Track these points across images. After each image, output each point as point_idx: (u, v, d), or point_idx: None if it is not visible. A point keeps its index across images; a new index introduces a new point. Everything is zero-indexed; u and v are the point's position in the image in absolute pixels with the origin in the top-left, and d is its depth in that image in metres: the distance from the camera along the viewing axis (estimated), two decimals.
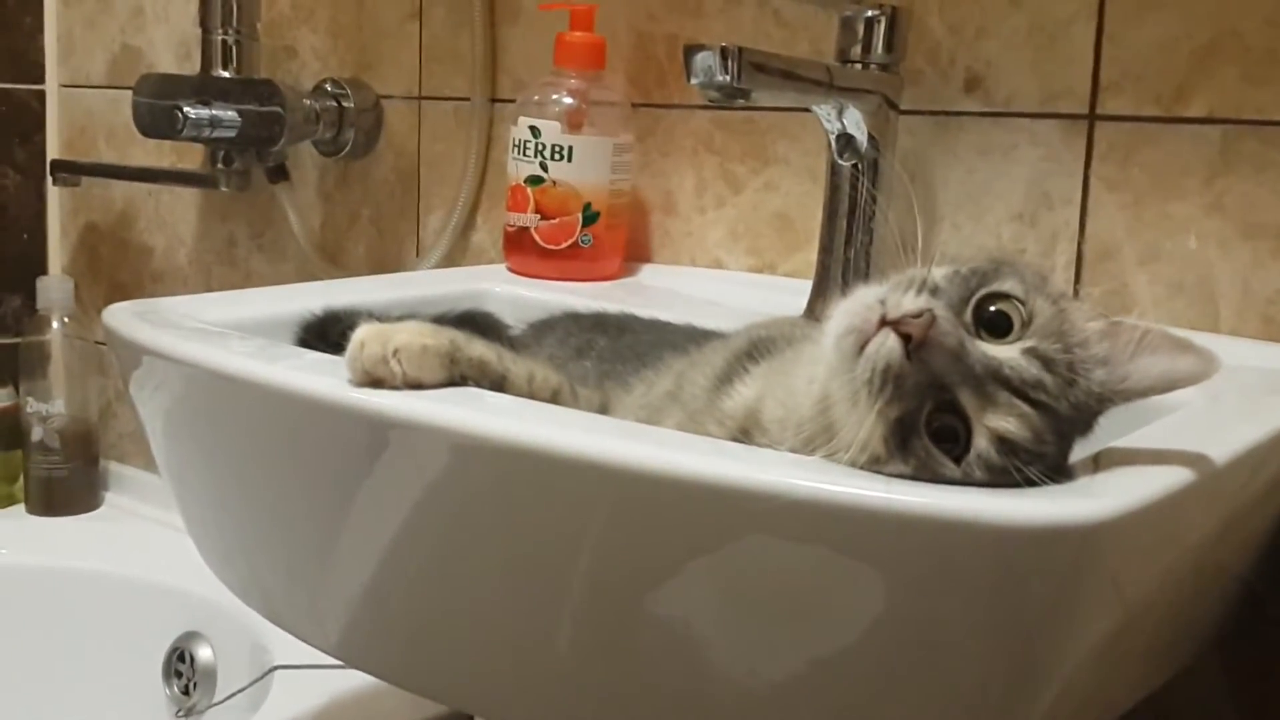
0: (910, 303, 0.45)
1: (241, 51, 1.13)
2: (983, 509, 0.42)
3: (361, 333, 0.53)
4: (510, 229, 0.93)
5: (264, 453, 0.60)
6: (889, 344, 0.45)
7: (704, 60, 0.64)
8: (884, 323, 0.45)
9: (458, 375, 0.54)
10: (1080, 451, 0.48)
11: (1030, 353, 0.46)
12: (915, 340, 0.44)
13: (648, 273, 0.94)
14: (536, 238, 0.91)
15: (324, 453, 0.56)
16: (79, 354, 1.34)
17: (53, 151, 1.41)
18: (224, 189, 1.18)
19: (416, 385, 0.53)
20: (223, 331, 0.66)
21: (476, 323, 0.78)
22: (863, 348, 0.45)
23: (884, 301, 0.46)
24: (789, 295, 0.79)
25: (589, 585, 0.50)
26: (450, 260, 1.05)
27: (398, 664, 0.60)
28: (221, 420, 0.62)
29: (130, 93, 1.12)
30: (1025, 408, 0.45)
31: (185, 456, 0.67)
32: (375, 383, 0.53)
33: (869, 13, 0.75)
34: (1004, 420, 0.44)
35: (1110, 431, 0.49)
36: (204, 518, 0.68)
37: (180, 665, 1.13)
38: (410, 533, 0.54)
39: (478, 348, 0.56)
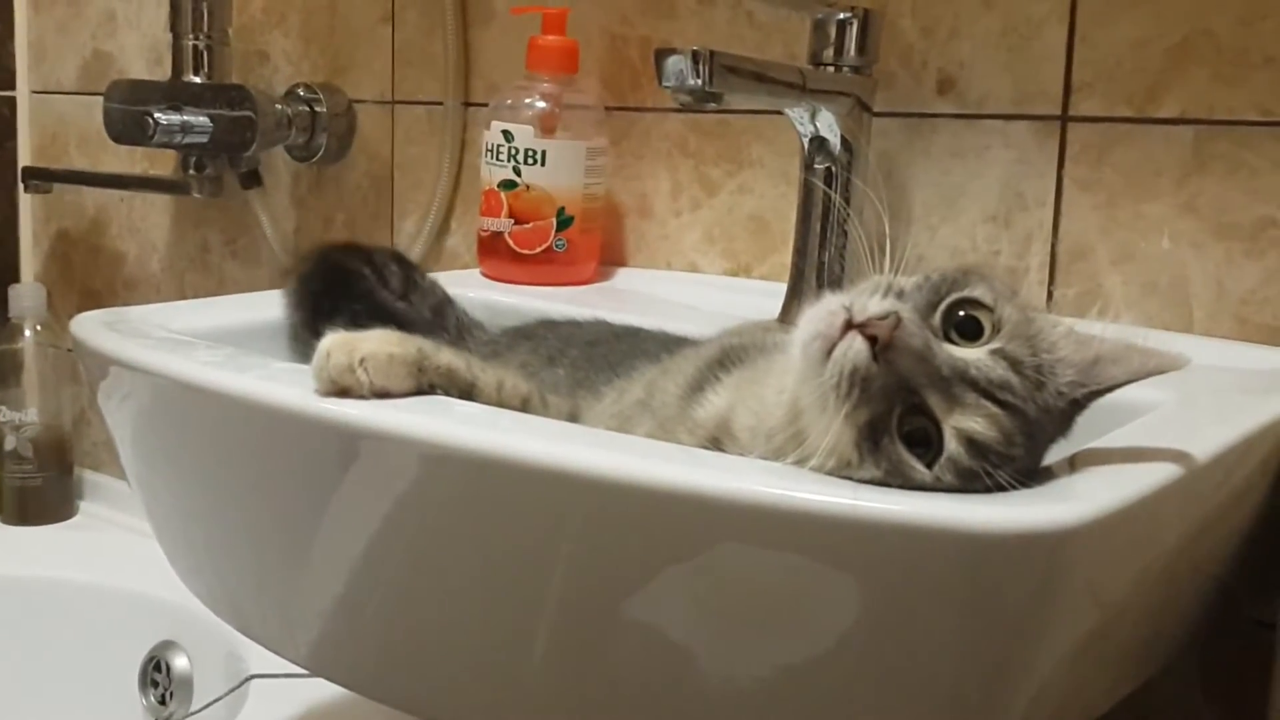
0: (876, 306, 0.45)
1: (213, 56, 1.12)
2: (953, 515, 0.41)
3: (327, 342, 0.53)
4: (484, 234, 0.92)
5: (232, 463, 0.59)
6: (855, 347, 0.45)
7: (675, 64, 0.64)
8: (849, 326, 0.45)
9: (426, 384, 0.54)
10: (1060, 452, 0.48)
11: (997, 354, 0.46)
12: (881, 342, 0.44)
13: (623, 276, 0.94)
14: (510, 242, 0.91)
15: (292, 463, 0.56)
16: (52, 362, 1.33)
17: (24, 158, 1.39)
18: (196, 195, 1.17)
19: (384, 394, 0.52)
20: (191, 341, 0.65)
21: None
22: (829, 353, 0.45)
23: (849, 306, 0.46)
24: (764, 298, 0.79)
25: (562, 595, 0.49)
26: (425, 265, 1.04)
27: (370, 676, 0.60)
28: (189, 431, 0.61)
29: (102, 99, 1.11)
30: (993, 408, 0.44)
31: (154, 467, 0.66)
32: (342, 392, 0.52)
33: (841, 15, 0.75)
34: (972, 420, 0.44)
35: (1085, 432, 0.49)
36: (173, 528, 0.68)
37: (156, 675, 1.12)
38: (381, 543, 0.54)
39: (445, 356, 0.55)
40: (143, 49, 1.27)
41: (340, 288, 0.75)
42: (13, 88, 1.39)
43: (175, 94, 1.08)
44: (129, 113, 1.07)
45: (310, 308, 0.74)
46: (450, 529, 0.51)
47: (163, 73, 1.17)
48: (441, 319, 0.79)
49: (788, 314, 0.76)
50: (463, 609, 0.53)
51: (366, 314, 0.74)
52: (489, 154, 0.91)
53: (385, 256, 0.79)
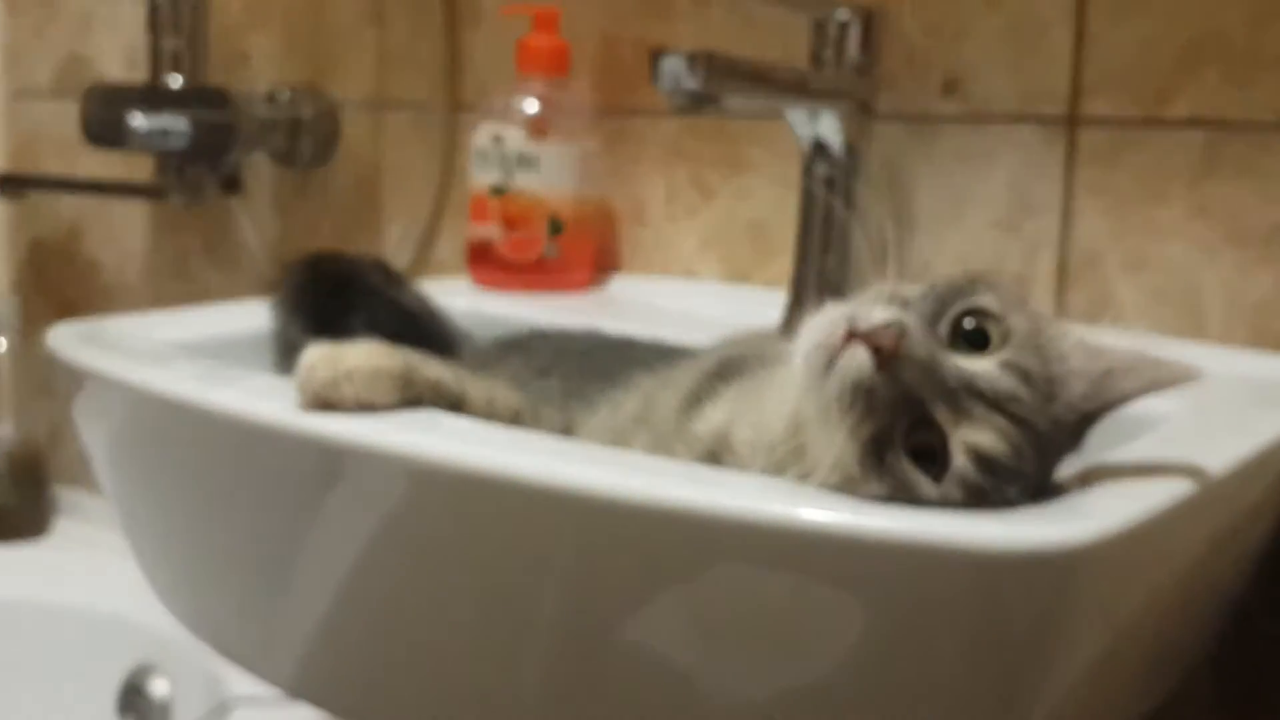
0: (880, 315, 0.44)
1: (192, 58, 1.11)
2: (960, 534, 0.40)
3: (311, 355, 0.51)
4: (474, 241, 0.91)
5: (212, 481, 0.58)
6: (859, 357, 0.43)
7: (671, 66, 0.63)
8: (852, 336, 0.44)
9: (413, 397, 0.53)
10: (1071, 467, 0.47)
11: (1006, 365, 0.44)
12: (885, 352, 0.43)
13: (618, 284, 0.93)
14: (501, 249, 0.89)
15: (275, 481, 0.55)
16: (26, 374, 1.33)
17: None
18: (175, 201, 1.15)
19: (369, 408, 0.51)
20: (169, 353, 0.65)
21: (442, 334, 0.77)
22: (832, 364, 0.44)
23: (852, 315, 0.44)
24: (764, 306, 0.78)
25: (556, 616, 0.48)
26: (413, 273, 1.03)
27: (354, 700, 0.58)
28: (167, 447, 0.60)
29: (78, 102, 1.09)
30: (1002, 421, 0.43)
31: (131, 484, 0.65)
32: (326, 407, 0.51)
33: (842, 15, 0.75)
34: (980, 434, 0.43)
35: (1096, 445, 0.48)
36: (152, 548, 0.66)
37: (135, 699, 1.10)
38: (366, 564, 0.52)
39: (434, 368, 0.54)
40: (120, 51, 1.25)
41: (346, 291, 0.74)
42: None
43: (153, 97, 1.07)
44: (106, 116, 1.05)
45: (315, 314, 0.72)
46: (439, 548, 0.50)
47: (140, 75, 1.15)
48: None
49: (789, 323, 0.76)
50: (452, 631, 0.52)
51: (381, 311, 0.73)
52: (478, 158, 0.90)
53: (369, 266, 0.78)
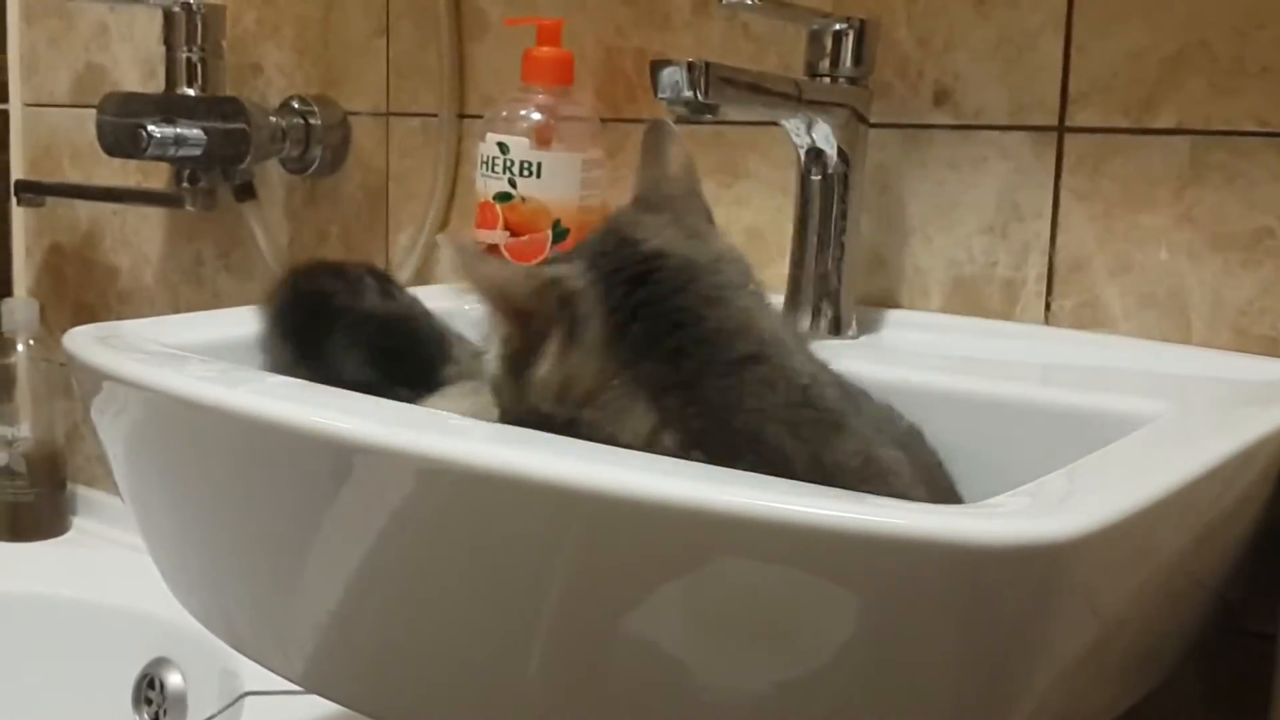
0: None
1: (206, 69, 1.12)
2: (950, 527, 0.41)
3: None
4: (479, 247, 0.92)
5: (226, 479, 0.59)
6: None
7: (671, 76, 0.64)
8: None
9: None
10: (1059, 464, 0.48)
11: None
12: None
13: None
14: (506, 255, 0.90)
15: (286, 478, 0.55)
16: (44, 377, 1.33)
17: (16, 171, 1.39)
18: (190, 208, 1.16)
19: None
20: (184, 355, 0.65)
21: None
22: None
23: None
24: None
25: (558, 609, 0.49)
26: (420, 278, 1.04)
27: (366, 693, 0.59)
28: (182, 446, 0.61)
29: (95, 111, 1.11)
30: None
31: (147, 483, 0.66)
32: None
33: (837, 26, 0.75)
34: None
35: (1083, 444, 0.49)
36: (167, 544, 0.67)
37: (150, 692, 1.11)
38: (376, 559, 0.53)
39: None
40: (136, 61, 1.26)
41: (322, 311, 0.73)
42: (5, 100, 1.39)
43: (168, 106, 1.07)
44: (122, 125, 1.06)
45: (299, 338, 0.71)
46: (446, 544, 0.51)
47: (156, 85, 1.17)
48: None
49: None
50: (458, 624, 0.53)
51: (358, 327, 0.72)
52: (484, 166, 0.90)
53: (360, 270, 0.78)
